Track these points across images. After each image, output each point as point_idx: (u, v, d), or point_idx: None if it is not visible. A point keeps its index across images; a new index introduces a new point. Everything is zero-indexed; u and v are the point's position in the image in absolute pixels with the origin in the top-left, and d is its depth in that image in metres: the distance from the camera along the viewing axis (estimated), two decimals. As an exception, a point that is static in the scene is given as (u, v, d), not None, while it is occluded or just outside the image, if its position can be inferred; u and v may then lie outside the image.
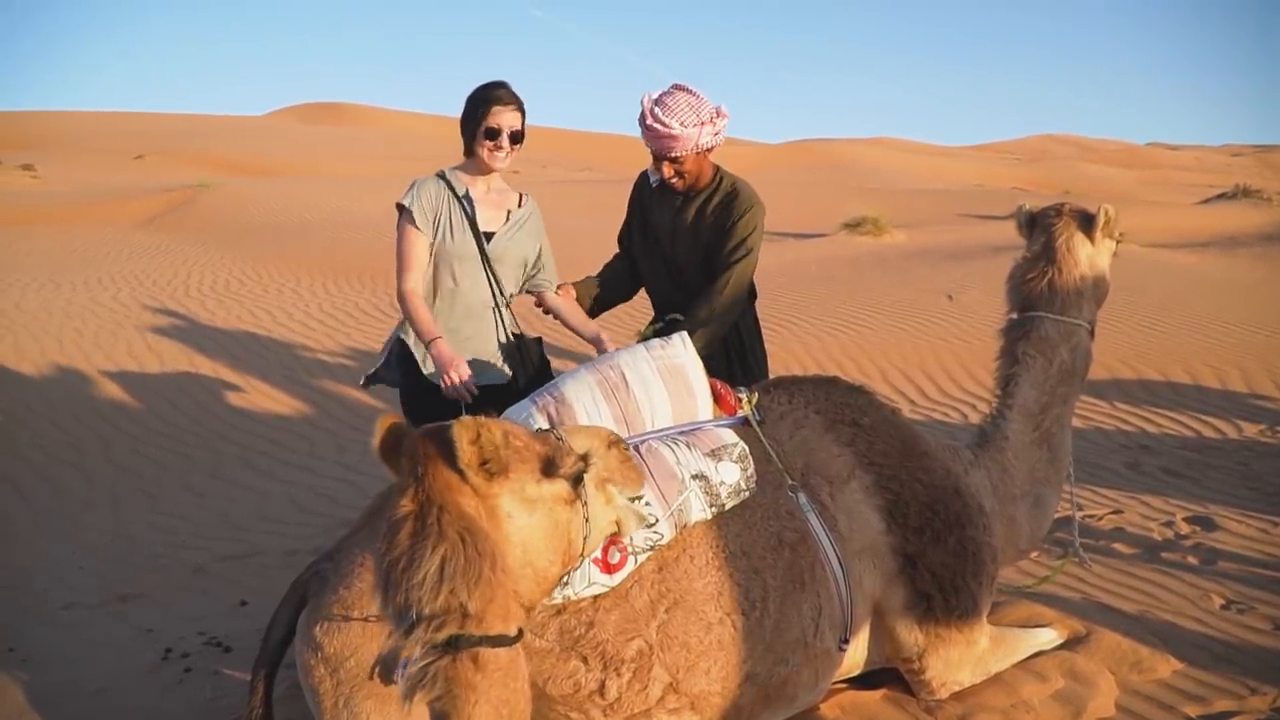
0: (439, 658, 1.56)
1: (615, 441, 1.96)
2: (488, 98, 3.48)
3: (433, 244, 3.50)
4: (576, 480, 1.81)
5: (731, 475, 2.64)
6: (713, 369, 3.22)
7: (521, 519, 1.73)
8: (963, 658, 2.96)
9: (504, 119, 3.47)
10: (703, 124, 3.50)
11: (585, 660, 2.44)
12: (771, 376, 3.30)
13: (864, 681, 3.09)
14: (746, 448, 2.73)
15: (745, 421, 2.89)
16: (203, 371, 7.86)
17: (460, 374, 3.28)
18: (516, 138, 3.52)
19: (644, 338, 3.70)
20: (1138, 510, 5.15)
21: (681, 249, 3.77)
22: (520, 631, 1.69)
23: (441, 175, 3.59)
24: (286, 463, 6.17)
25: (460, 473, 1.65)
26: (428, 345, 3.38)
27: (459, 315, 3.54)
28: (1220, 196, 25.70)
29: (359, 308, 10.39)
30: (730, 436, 2.75)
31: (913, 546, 2.86)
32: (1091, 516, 5.05)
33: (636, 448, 2.63)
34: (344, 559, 2.48)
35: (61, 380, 7.48)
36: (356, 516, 2.72)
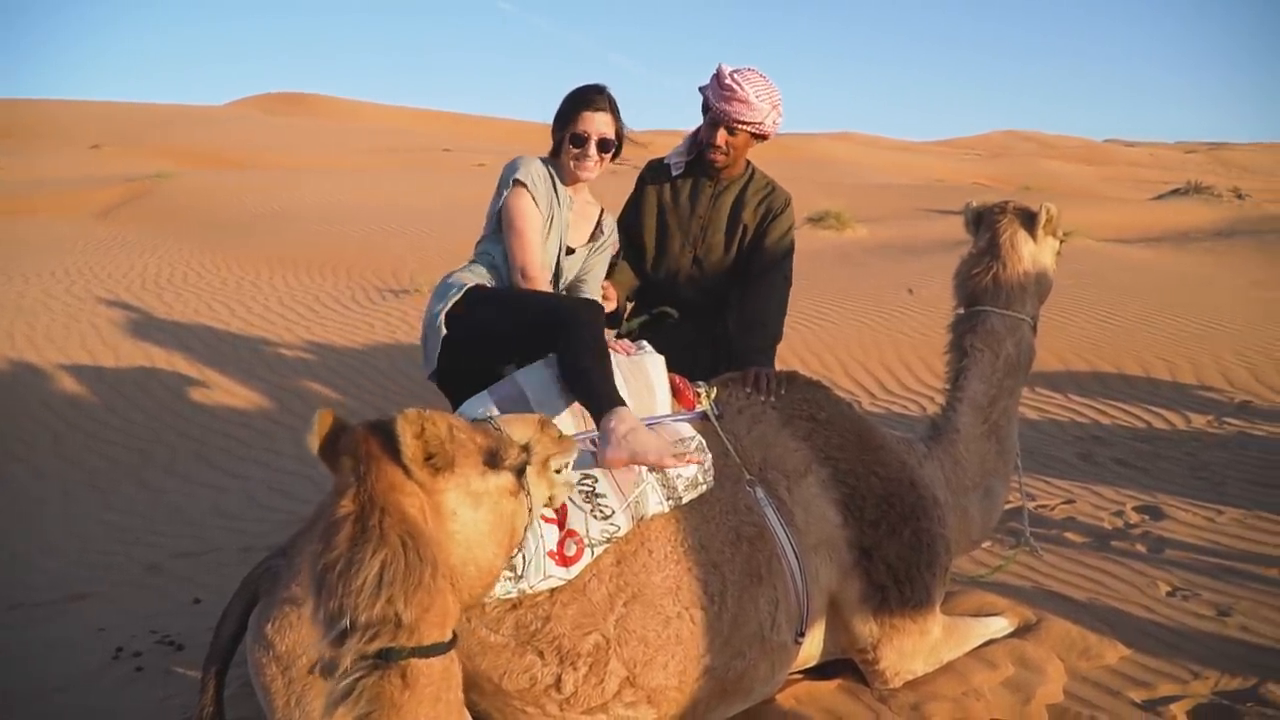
0: (367, 673, 1.52)
1: (546, 422, 1.97)
2: (578, 100, 3.26)
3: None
4: (520, 471, 1.80)
5: (689, 469, 2.65)
6: (690, 361, 3.25)
7: (466, 515, 1.71)
8: (916, 648, 3.00)
9: (594, 124, 3.23)
10: (773, 106, 3.51)
11: (541, 655, 2.44)
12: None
13: (819, 672, 3.12)
14: (704, 441, 2.75)
15: (704, 416, 2.92)
16: (159, 366, 7.75)
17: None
18: (606, 146, 3.27)
19: (628, 330, 3.72)
20: (1089, 500, 5.24)
21: (715, 239, 3.70)
22: (454, 637, 1.67)
23: (546, 162, 3.33)
24: (243, 458, 6.11)
25: (405, 469, 1.62)
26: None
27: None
28: (1174, 192, 26.13)
29: (320, 301, 10.29)
30: (688, 431, 2.76)
31: (869, 539, 2.89)
32: (1044, 506, 5.13)
33: (594, 440, 2.64)
34: (297, 555, 2.47)
35: (13, 375, 7.35)
36: (311, 511, 2.71)
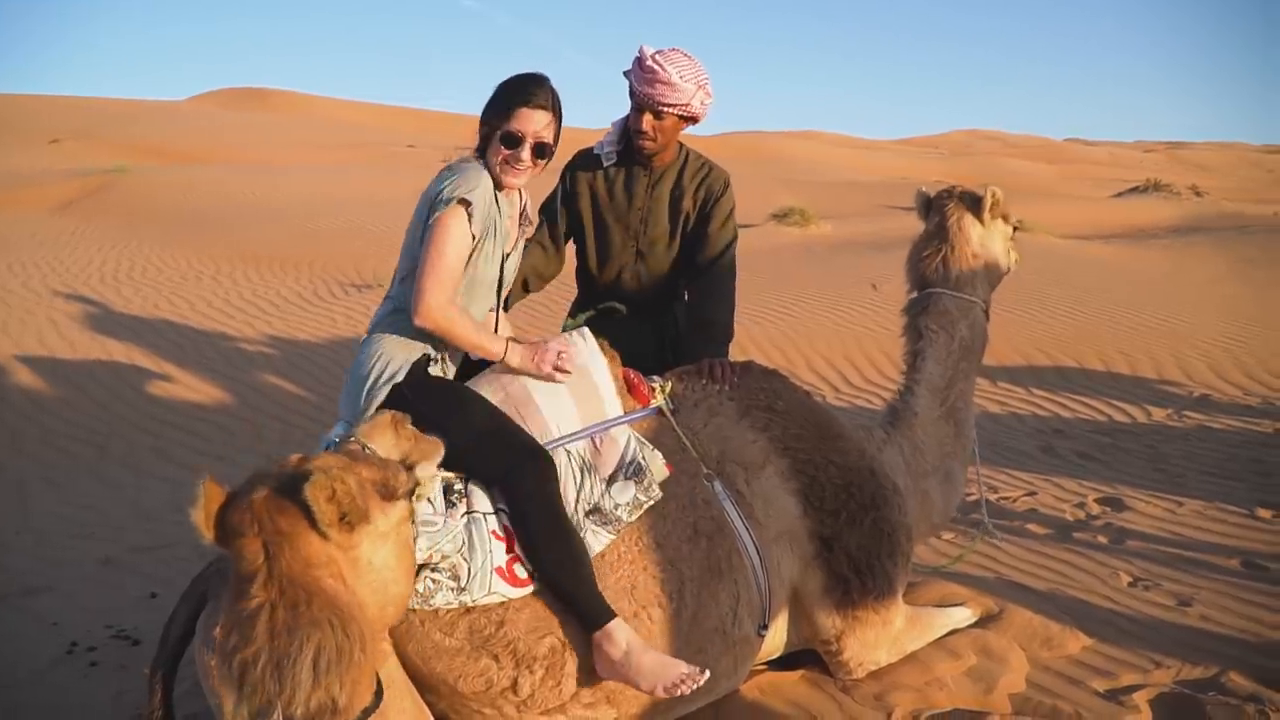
0: None
1: (400, 422, 1.94)
2: (515, 91, 2.78)
3: (468, 257, 2.73)
4: (412, 494, 1.76)
5: (626, 494, 2.61)
6: (638, 355, 3.17)
7: (379, 558, 1.66)
8: (879, 638, 3.00)
9: (531, 124, 2.74)
10: (699, 86, 3.30)
11: (496, 658, 2.40)
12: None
13: (782, 663, 3.12)
14: (644, 458, 2.69)
15: (659, 412, 2.88)
16: (117, 360, 7.62)
17: (551, 362, 2.75)
18: (542, 151, 2.79)
19: (573, 328, 3.59)
20: (1051, 492, 5.29)
21: (657, 231, 3.50)
22: (379, 686, 1.64)
23: (484, 166, 2.80)
24: (203, 453, 6.01)
25: (321, 536, 1.55)
26: (505, 356, 2.73)
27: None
28: (1134, 190, 26.50)
29: (281, 295, 10.18)
30: (629, 447, 2.71)
31: (829, 529, 2.88)
32: (1006, 498, 5.17)
33: (595, 439, 2.69)
34: None
35: (-35, 369, 7.20)
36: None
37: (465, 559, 2.38)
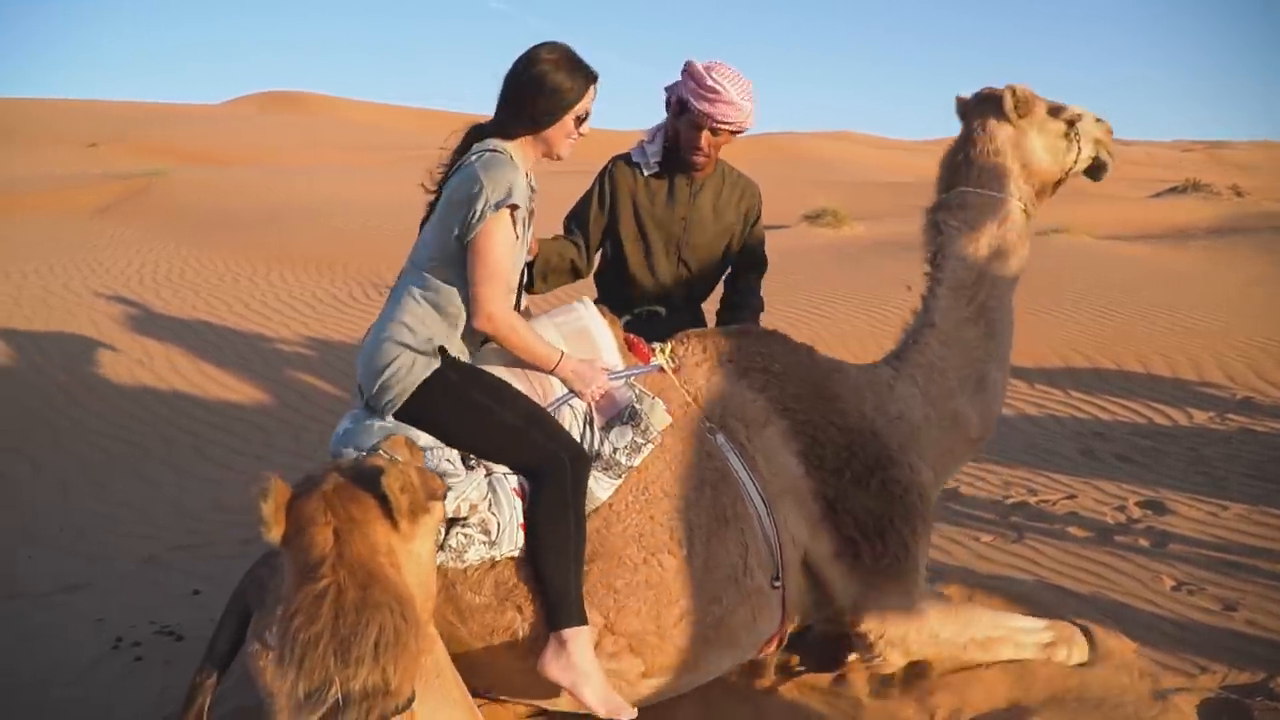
0: None
1: (414, 446, 2.13)
2: (581, 69, 2.73)
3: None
4: (443, 499, 1.85)
5: (624, 438, 2.67)
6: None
7: (424, 552, 1.75)
8: (899, 610, 2.87)
9: (593, 101, 2.79)
10: (752, 101, 3.36)
11: (520, 610, 2.50)
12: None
13: (818, 660, 3.10)
14: (639, 402, 2.73)
15: (660, 369, 2.93)
16: (156, 361, 7.72)
17: (599, 389, 2.76)
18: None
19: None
20: (1091, 495, 5.22)
21: (699, 239, 3.57)
22: (413, 691, 1.66)
23: (504, 152, 2.72)
24: (241, 452, 6.08)
25: (393, 524, 1.62)
26: (557, 368, 2.72)
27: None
28: (1171, 190, 26.14)
29: (316, 297, 10.26)
30: (627, 396, 2.75)
31: (832, 490, 2.82)
32: (1046, 501, 5.12)
33: (630, 380, 2.81)
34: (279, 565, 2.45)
35: (11, 370, 7.32)
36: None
37: (495, 514, 2.46)
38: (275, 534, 1.67)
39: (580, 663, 2.44)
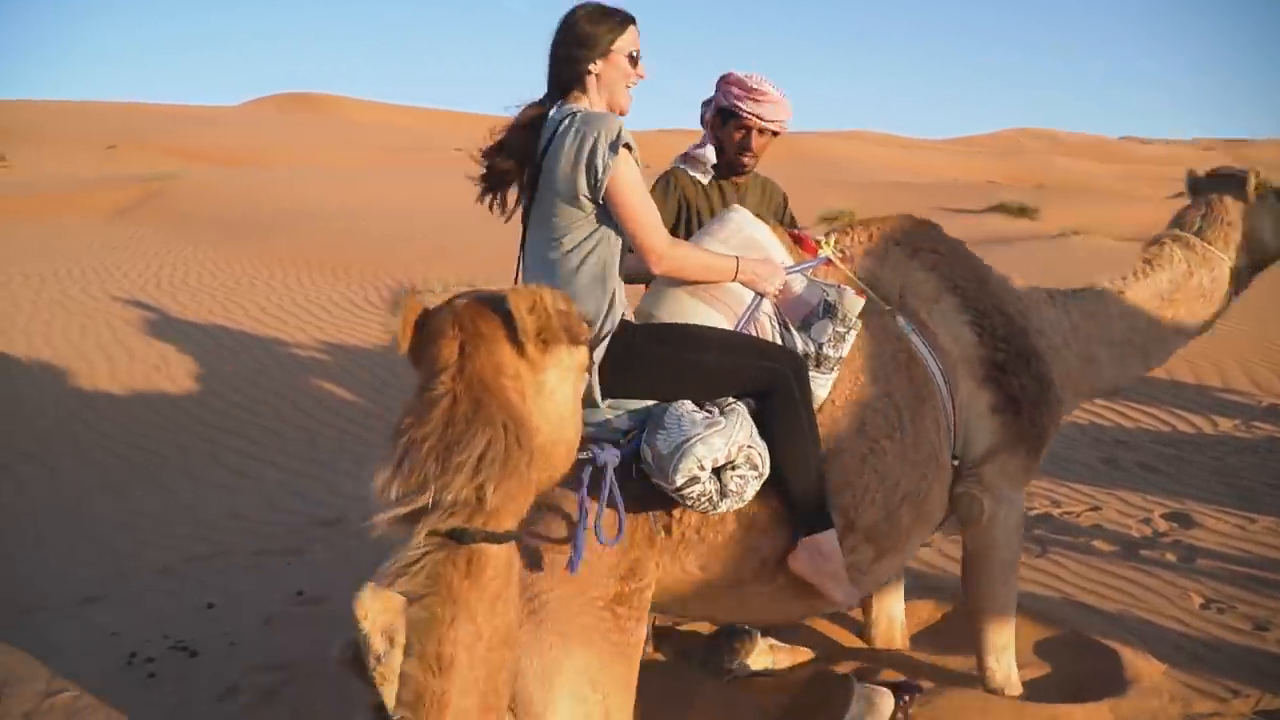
0: (435, 549, 1.49)
1: (556, 292, 1.84)
2: (616, 12, 2.67)
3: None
4: (592, 346, 1.82)
5: (824, 332, 2.63)
6: None
7: (562, 392, 1.69)
8: (1015, 473, 2.97)
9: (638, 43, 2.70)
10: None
11: (766, 532, 2.50)
12: None
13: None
14: (828, 293, 2.69)
15: (828, 260, 2.93)
16: (173, 366, 7.72)
17: (778, 284, 2.70)
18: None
19: None
20: (1115, 507, 5.14)
21: None
22: (520, 529, 1.63)
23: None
24: (257, 458, 6.06)
25: (518, 347, 1.59)
26: (737, 274, 2.64)
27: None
28: (1193, 191, 25.89)
29: (334, 301, 10.26)
30: (812, 291, 2.70)
31: (1001, 355, 2.93)
32: (1069, 513, 5.04)
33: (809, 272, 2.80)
34: None
35: (29, 375, 7.34)
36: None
37: (755, 445, 2.41)
38: (404, 346, 1.68)
39: (829, 564, 2.47)
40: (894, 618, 3.63)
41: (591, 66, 2.61)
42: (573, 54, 2.62)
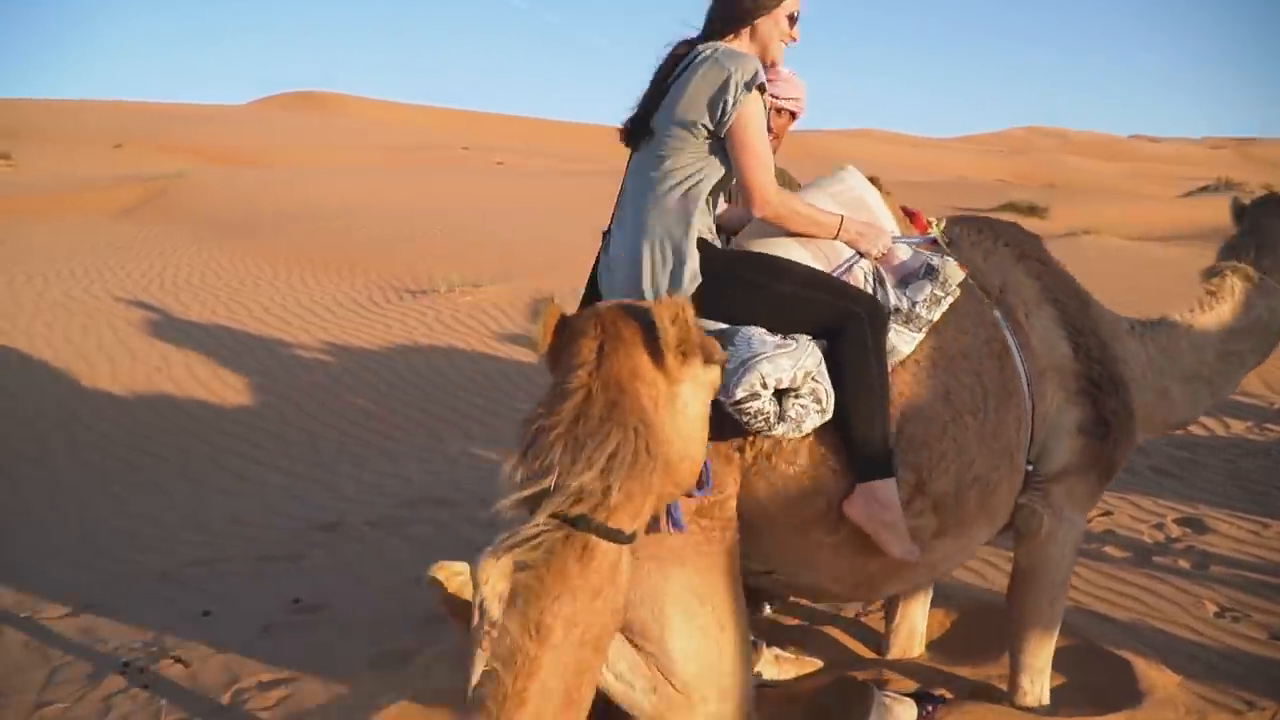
0: (555, 529, 1.52)
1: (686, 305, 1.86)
2: None
3: None
4: (723, 366, 1.81)
5: (922, 292, 2.59)
6: None
7: (694, 408, 1.71)
8: (1081, 498, 2.91)
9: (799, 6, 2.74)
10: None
11: (834, 471, 2.45)
12: None
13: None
14: (932, 258, 2.65)
15: (934, 242, 2.87)
16: (174, 367, 7.67)
17: (881, 247, 2.68)
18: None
19: None
20: (1127, 511, 5.06)
21: None
22: (635, 534, 1.65)
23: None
24: (259, 462, 6.01)
25: (658, 355, 1.61)
26: (839, 233, 2.63)
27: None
28: (1203, 189, 25.78)
29: (337, 301, 10.21)
30: (917, 256, 2.68)
31: (1097, 374, 2.87)
32: (1081, 518, 4.96)
33: (912, 245, 2.74)
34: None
35: (30, 375, 7.30)
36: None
37: (823, 380, 2.38)
38: (542, 348, 1.72)
39: (886, 513, 2.41)
40: (915, 629, 3.55)
41: (758, 18, 2.67)
42: (745, 4, 2.67)
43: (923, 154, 57.28)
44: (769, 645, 3.38)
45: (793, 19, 2.73)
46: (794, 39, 2.76)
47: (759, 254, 2.61)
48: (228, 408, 6.92)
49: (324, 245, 13.28)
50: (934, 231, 2.88)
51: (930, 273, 2.61)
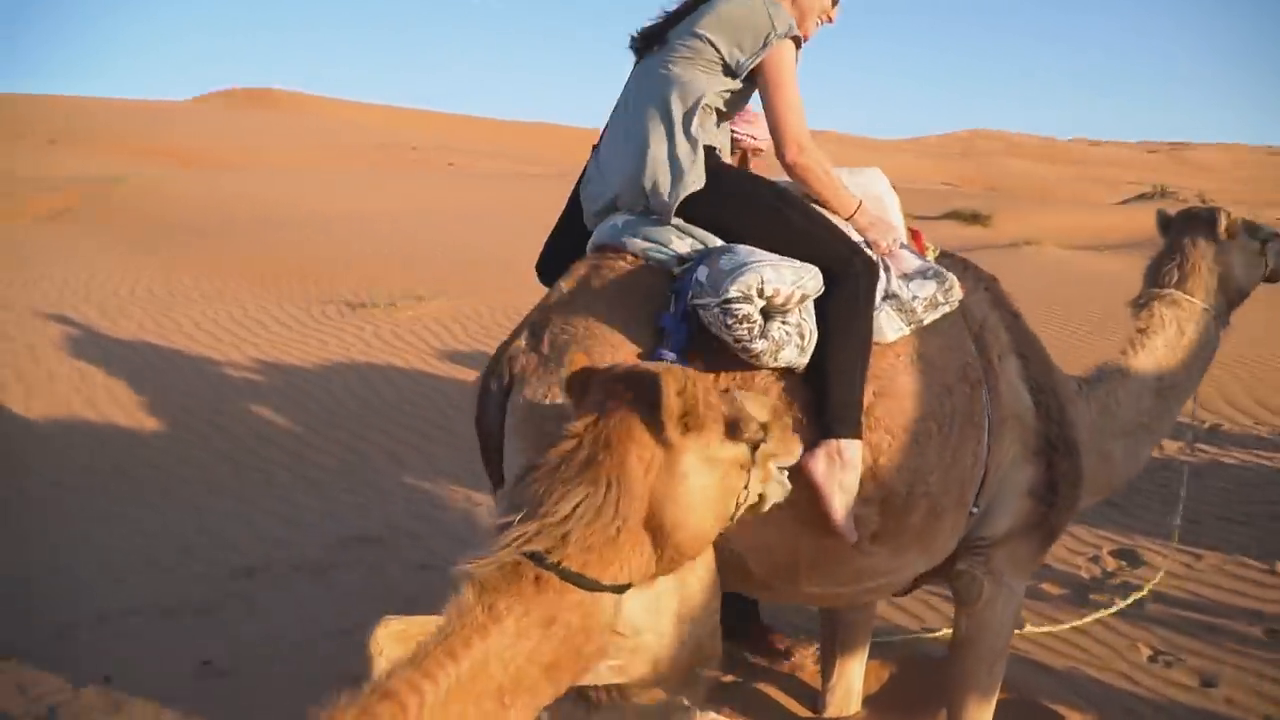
0: (513, 559, 1.54)
1: (782, 413, 1.95)
2: None
3: None
4: (755, 447, 1.77)
5: (925, 290, 2.58)
6: None
7: (697, 479, 1.68)
8: (1022, 562, 2.88)
9: None
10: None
11: (799, 421, 2.42)
12: None
13: None
14: (945, 270, 2.66)
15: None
16: (95, 389, 7.37)
17: (893, 242, 2.71)
18: None
19: None
20: (1065, 543, 5.02)
21: None
22: (614, 587, 1.62)
23: None
24: (177, 497, 5.73)
25: (656, 423, 1.62)
26: (854, 215, 2.65)
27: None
28: (1140, 197, 26.27)
29: (271, 315, 9.93)
30: (924, 261, 2.70)
31: (1054, 434, 2.83)
32: (1017, 552, 4.93)
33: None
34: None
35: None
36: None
37: (808, 318, 2.37)
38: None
39: (844, 474, 2.36)
40: (852, 687, 3.48)
41: None
42: None
43: (869, 156, 57.73)
44: (704, 707, 3.27)
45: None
46: (830, 20, 2.76)
47: (773, 180, 2.58)
48: (147, 434, 6.65)
49: (262, 255, 12.98)
50: (930, 256, 2.88)
51: (938, 275, 2.61)
